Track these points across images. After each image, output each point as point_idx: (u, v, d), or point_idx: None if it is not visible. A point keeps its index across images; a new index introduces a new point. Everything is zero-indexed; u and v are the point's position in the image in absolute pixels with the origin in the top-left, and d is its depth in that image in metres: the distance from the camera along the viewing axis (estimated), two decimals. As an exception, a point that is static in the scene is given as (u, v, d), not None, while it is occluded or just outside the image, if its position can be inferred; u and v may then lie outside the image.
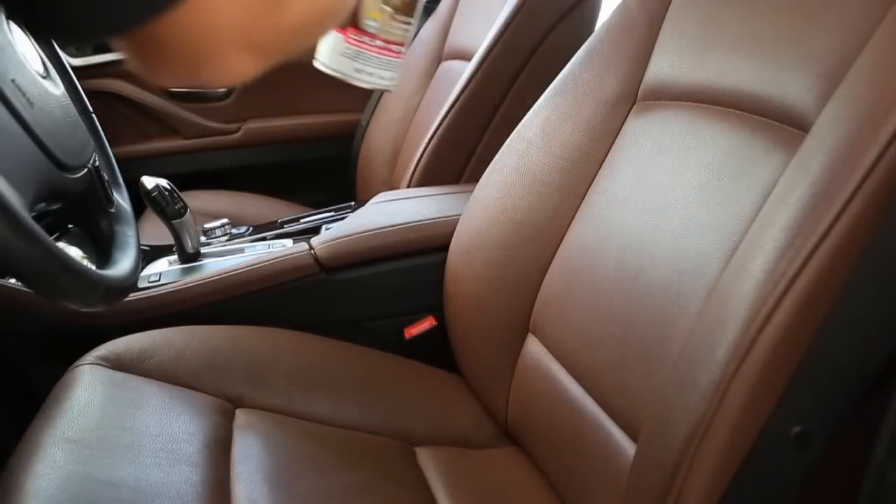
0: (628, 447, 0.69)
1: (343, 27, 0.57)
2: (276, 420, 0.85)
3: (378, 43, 0.57)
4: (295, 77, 1.79)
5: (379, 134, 1.68)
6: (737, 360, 0.54)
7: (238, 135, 1.79)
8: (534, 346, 0.87)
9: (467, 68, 1.29)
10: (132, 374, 0.85)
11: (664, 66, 0.81)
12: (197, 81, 0.35)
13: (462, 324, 0.98)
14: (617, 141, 0.84)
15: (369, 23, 0.57)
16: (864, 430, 0.56)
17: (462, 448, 0.91)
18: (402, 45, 0.59)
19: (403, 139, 1.58)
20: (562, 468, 0.81)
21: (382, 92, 1.76)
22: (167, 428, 0.76)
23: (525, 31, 1.25)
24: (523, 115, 0.96)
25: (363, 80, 0.58)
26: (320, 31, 0.43)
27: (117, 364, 0.85)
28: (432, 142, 1.30)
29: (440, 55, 1.61)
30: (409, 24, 0.58)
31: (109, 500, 0.65)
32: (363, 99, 1.80)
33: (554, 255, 0.86)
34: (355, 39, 0.57)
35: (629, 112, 0.85)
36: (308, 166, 1.84)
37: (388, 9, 0.56)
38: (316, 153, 1.83)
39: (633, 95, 0.85)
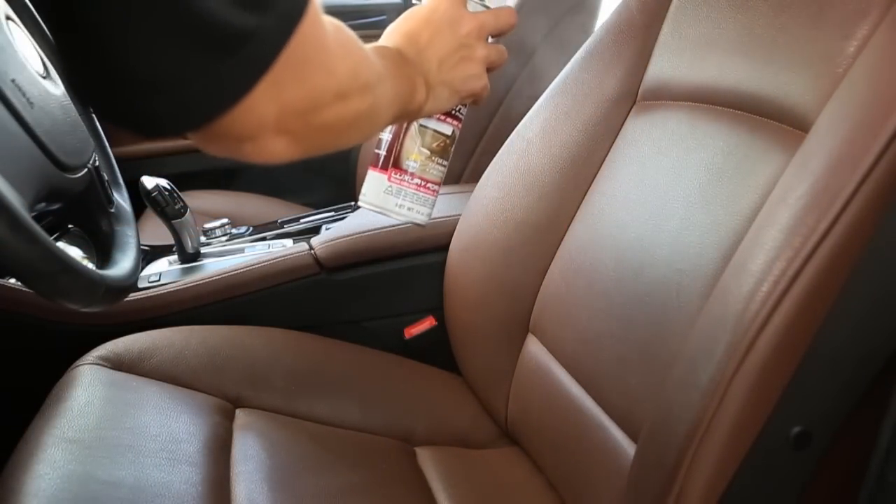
0: (628, 447, 0.69)
1: (385, 168, 0.64)
2: (276, 420, 0.85)
3: (416, 181, 0.64)
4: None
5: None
6: (737, 360, 0.54)
7: (238, 135, 1.79)
8: (534, 346, 0.87)
9: (467, 68, 1.29)
10: (132, 374, 0.85)
11: (664, 66, 0.81)
12: (238, 156, 0.42)
13: (462, 324, 0.98)
14: (617, 141, 0.84)
15: (409, 163, 0.64)
16: (864, 430, 0.56)
17: (462, 448, 0.91)
18: (437, 183, 0.66)
19: (403, 139, 1.58)
20: (562, 468, 0.81)
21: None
22: (167, 428, 0.76)
23: (525, 32, 1.25)
24: (523, 115, 0.96)
25: (402, 215, 0.64)
26: (347, 136, 0.49)
27: (117, 364, 0.85)
28: (432, 142, 1.29)
29: None
30: (444, 165, 0.65)
31: (109, 500, 0.65)
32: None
33: (554, 254, 0.86)
34: (397, 178, 0.64)
35: (629, 112, 0.85)
36: (308, 166, 1.83)
37: (426, 150, 0.64)
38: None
39: (633, 95, 0.85)
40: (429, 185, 0.65)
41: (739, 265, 0.58)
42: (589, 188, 0.85)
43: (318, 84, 0.43)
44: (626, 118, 0.85)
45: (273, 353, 0.94)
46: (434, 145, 0.64)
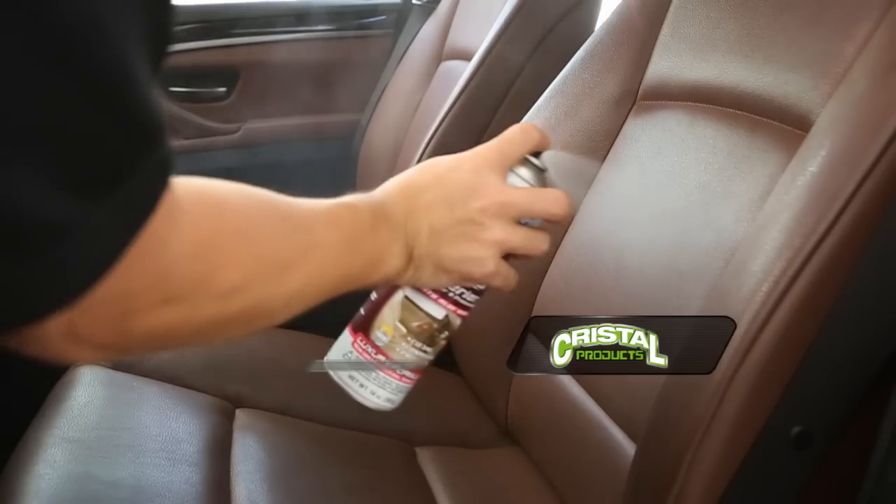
0: (628, 447, 0.69)
1: (355, 332, 0.54)
2: (276, 420, 0.85)
3: (380, 357, 0.53)
4: (295, 77, 1.80)
5: (379, 134, 1.68)
6: (737, 360, 0.54)
7: (238, 135, 1.79)
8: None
9: (467, 68, 1.29)
10: (132, 374, 0.85)
11: (664, 66, 0.81)
12: (27, 353, 0.34)
13: (462, 324, 0.98)
14: (617, 141, 0.84)
15: (379, 335, 0.53)
16: (864, 430, 0.56)
17: (462, 448, 0.91)
18: (409, 370, 0.54)
19: (403, 139, 1.58)
20: (562, 468, 0.81)
21: (382, 92, 1.76)
22: (167, 428, 0.76)
23: (525, 31, 1.25)
24: (523, 116, 0.96)
25: (355, 391, 0.54)
26: (203, 338, 0.41)
27: (117, 364, 0.85)
28: (432, 142, 1.30)
29: (440, 55, 1.61)
30: (423, 352, 0.53)
31: (109, 499, 0.65)
32: (363, 99, 1.80)
33: (554, 254, 0.86)
34: (360, 347, 0.53)
35: (629, 112, 0.85)
36: (308, 166, 1.84)
37: (403, 328, 0.52)
38: (316, 153, 1.83)
39: (633, 95, 0.85)
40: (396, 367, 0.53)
41: (739, 265, 0.58)
42: (589, 188, 0.85)
43: (133, 287, 0.33)
44: (626, 118, 0.85)
45: (273, 353, 0.94)
46: (415, 324, 0.52)
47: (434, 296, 0.52)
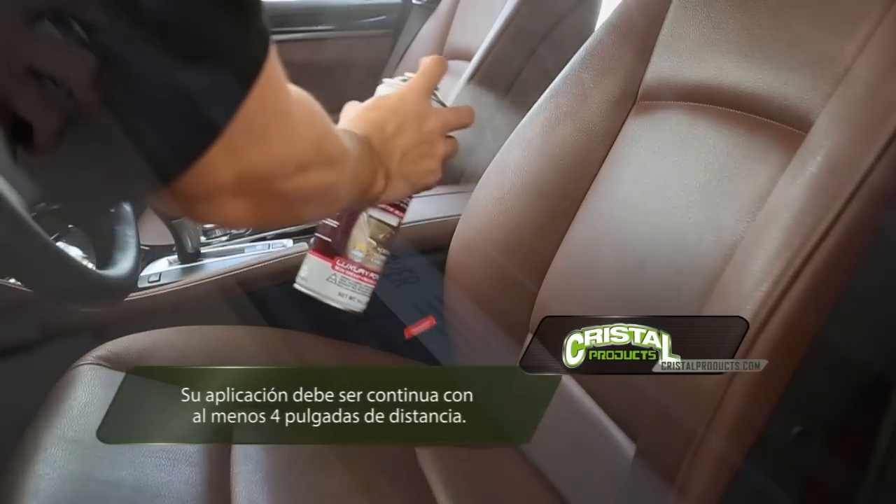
0: (628, 447, 0.69)
1: (331, 256, 0.65)
2: (276, 420, 0.85)
3: (360, 271, 0.65)
4: (295, 77, 1.80)
5: (379, 134, 1.68)
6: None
7: (238, 135, 1.79)
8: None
9: (467, 68, 1.29)
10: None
11: (664, 66, 0.81)
12: (193, 216, 0.42)
13: (462, 324, 0.98)
14: (617, 141, 0.84)
15: (356, 253, 0.65)
16: (864, 430, 0.56)
17: (462, 448, 0.91)
18: (378, 273, 0.67)
19: (403, 139, 1.58)
20: (562, 468, 0.81)
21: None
22: (167, 428, 0.76)
23: (525, 31, 1.25)
24: (523, 115, 0.96)
25: (342, 303, 0.66)
26: (306, 209, 0.50)
27: (117, 364, 0.85)
28: (432, 142, 1.30)
29: (440, 55, 1.61)
30: (386, 255, 0.67)
31: (109, 500, 0.65)
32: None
33: (554, 254, 0.86)
34: (342, 267, 0.65)
35: (629, 112, 0.85)
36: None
37: (373, 241, 0.65)
38: (316, 153, 1.83)
39: (633, 95, 0.85)
40: (371, 274, 0.66)
41: (739, 265, 0.58)
42: (589, 188, 0.85)
43: (278, 151, 0.42)
44: (626, 118, 0.85)
45: (273, 353, 0.94)
46: (380, 236, 0.65)
47: (390, 209, 0.65)
